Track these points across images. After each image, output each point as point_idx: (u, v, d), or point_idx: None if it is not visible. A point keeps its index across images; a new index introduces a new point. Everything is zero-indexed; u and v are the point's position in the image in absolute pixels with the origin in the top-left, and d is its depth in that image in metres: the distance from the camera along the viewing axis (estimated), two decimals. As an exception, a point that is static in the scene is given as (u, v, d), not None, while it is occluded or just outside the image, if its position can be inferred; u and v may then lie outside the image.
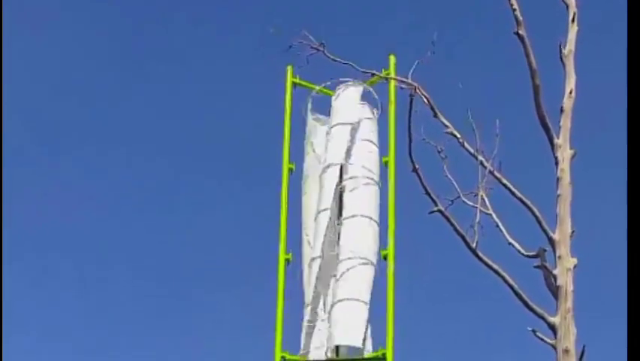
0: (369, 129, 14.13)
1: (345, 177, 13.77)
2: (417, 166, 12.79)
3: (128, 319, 28.51)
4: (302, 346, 13.08)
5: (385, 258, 13.08)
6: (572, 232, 11.71)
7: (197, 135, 29.99)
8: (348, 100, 14.26)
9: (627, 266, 10.46)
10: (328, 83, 14.59)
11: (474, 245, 12.06)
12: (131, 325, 28.60)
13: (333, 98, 14.52)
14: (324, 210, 13.53)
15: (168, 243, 29.13)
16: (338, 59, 12.47)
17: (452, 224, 12.34)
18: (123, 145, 29.92)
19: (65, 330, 28.13)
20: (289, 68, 14.80)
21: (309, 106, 14.61)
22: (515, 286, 11.72)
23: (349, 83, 14.46)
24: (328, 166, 13.82)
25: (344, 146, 13.86)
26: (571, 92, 12.54)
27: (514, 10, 11.95)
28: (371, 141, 14.05)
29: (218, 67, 29.84)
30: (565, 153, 12.17)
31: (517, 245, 12.02)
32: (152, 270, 29.18)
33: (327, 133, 14.18)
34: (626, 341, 10.38)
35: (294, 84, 14.70)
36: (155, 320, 28.72)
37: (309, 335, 13.02)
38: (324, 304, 13.13)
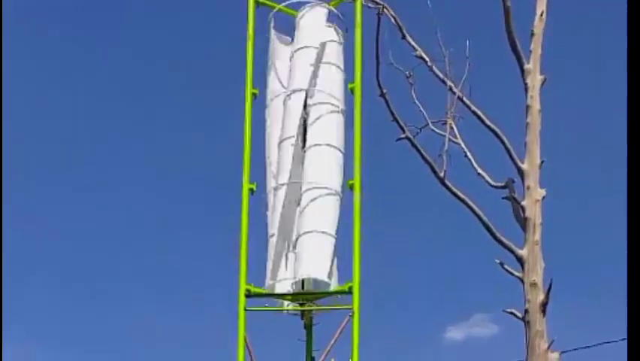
0: (335, 53, 13.62)
1: (309, 103, 13.32)
2: (384, 91, 12.49)
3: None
4: (267, 278, 12.82)
5: (351, 188, 12.76)
6: (542, 162, 11.47)
7: (158, 58, 29.34)
8: (313, 21, 13.73)
9: (627, 264, 10.18)
10: (293, 1, 14.01)
11: (442, 174, 11.84)
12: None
13: (298, 18, 13.93)
14: (288, 137, 13.14)
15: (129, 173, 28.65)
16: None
17: (420, 152, 12.11)
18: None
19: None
20: (251, -15, 14.21)
21: (272, 26, 14.02)
22: (483, 218, 11.54)
23: (314, 3, 13.92)
24: (293, 92, 13.36)
25: (308, 70, 13.36)
26: (542, 15, 12.19)
27: None
28: (337, 66, 13.56)
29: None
30: (535, 79, 11.84)
31: (485, 175, 11.81)
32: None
33: (291, 56, 13.67)
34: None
35: (257, 3, 14.06)
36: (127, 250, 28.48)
37: (275, 267, 12.74)
38: (290, 236, 12.82)
